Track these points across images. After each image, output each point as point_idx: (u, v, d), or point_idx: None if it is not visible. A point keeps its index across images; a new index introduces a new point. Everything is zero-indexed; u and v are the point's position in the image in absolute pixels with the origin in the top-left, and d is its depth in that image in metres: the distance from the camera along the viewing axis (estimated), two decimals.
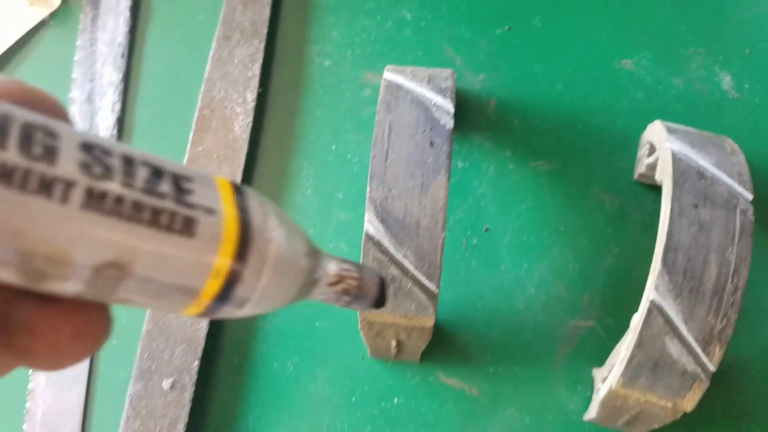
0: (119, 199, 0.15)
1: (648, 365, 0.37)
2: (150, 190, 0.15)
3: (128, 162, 0.15)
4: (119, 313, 0.48)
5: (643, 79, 0.51)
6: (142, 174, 0.15)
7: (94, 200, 0.14)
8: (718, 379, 0.45)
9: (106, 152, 0.15)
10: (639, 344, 0.36)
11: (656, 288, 0.36)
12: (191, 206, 0.16)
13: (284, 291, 0.20)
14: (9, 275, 0.14)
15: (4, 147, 0.13)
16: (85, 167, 0.14)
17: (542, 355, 0.46)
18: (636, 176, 0.49)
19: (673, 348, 0.36)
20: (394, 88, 0.42)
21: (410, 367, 0.46)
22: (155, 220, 0.15)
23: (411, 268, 0.39)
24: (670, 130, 0.41)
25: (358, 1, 0.55)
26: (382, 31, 0.54)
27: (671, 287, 0.36)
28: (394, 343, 0.43)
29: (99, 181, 0.14)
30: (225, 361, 0.47)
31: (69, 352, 0.16)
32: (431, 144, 0.39)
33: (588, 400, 0.45)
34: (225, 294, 0.18)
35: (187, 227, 0.16)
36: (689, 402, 0.37)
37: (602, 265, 0.47)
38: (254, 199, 0.18)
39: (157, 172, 0.16)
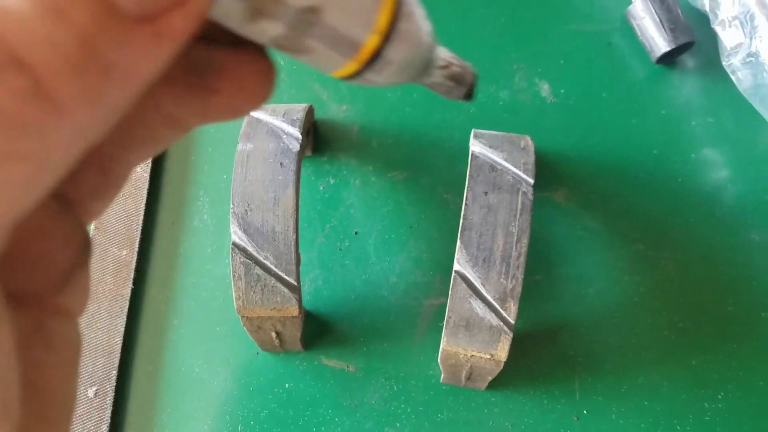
0: None
1: (462, 324, 0.46)
2: None
3: None
4: None
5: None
6: None
7: None
8: (551, 338, 0.54)
9: None
10: (452, 307, 0.46)
11: (458, 261, 0.45)
12: None
13: (417, 62, 0.23)
14: (236, 11, 0.16)
15: None
16: None
17: (405, 332, 0.55)
18: None
19: (478, 307, 0.45)
20: (254, 122, 0.51)
21: (297, 356, 0.55)
22: None
23: (272, 267, 0.47)
24: (476, 136, 0.51)
25: None
26: None
27: (469, 258, 0.45)
28: (274, 335, 0.52)
29: None
30: (140, 369, 0.55)
31: (249, 91, 0.17)
32: (281, 164, 0.49)
33: None
34: (377, 55, 0.20)
35: None
36: (501, 352, 0.46)
37: (449, 252, 0.56)
38: None
39: None
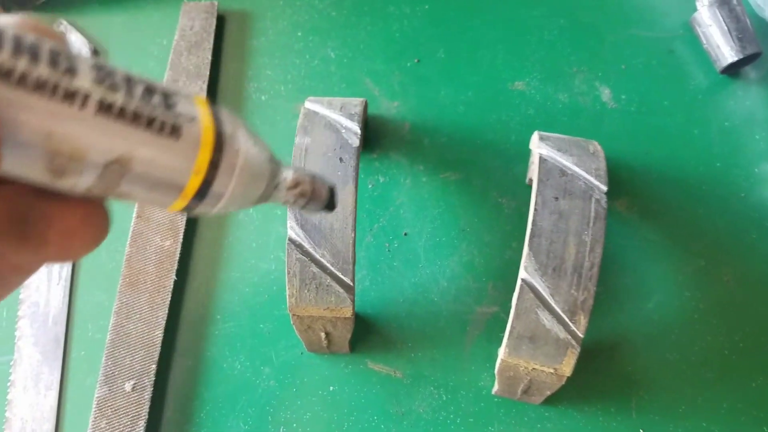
0: (123, 108, 0.19)
1: (527, 335, 0.44)
2: (146, 101, 0.19)
3: (128, 81, 0.19)
4: (86, 326, 0.54)
5: (533, 97, 0.59)
6: (139, 89, 0.19)
7: (105, 108, 0.18)
8: (607, 353, 0.52)
9: (111, 73, 0.18)
10: (516, 317, 0.44)
11: (525, 268, 0.43)
12: (177, 115, 0.20)
13: (252, 190, 0.24)
14: (36, 172, 0.17)
15: (37, 63, 0.16)
16: (97, 82, 0.18)
17: (455, 339, 0.53)
18: (527, 181, 0.56)
19: (545, 319, 0.43)
20: (311, 115, 0.49)
21: (342, 358, 0.53)
22: (150, 125, 0.19)
23: (328, 265, 0.46)
24: (542, 138, 0.49)
25: (288, 44, 0.63)
26: (310, 68, 0.62)
27: (538, 267, 0.43)
28: (323, 335, 0.50)
29: (108, 93, 0.18)
30: (179, 364, 0.53)
31: (79, 238, 0.19)
32: (341, 160, 0.47)
33: (495, 376, 0.52)
34: (204, 190, 0.21)
35: (174, 131, 0.20)
36: (566, 367, 0.44)
37: (503, 258, 0.55)
38: (226, 114, 0.23)
39: (150, 89, 0.20)
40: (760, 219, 0.55)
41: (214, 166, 0.21)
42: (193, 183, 0.21)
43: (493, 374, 0.52)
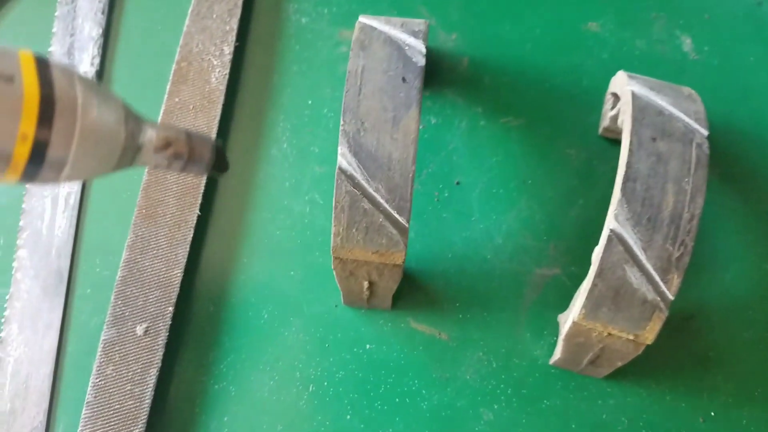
0: None
1: (609, 295, 0.38)
2: None
3: None
4: (93, 261, 0.48)
5: (608, 40, 0.53)
6: None
7: None
8: (681, 326, 0.46)
9: None
10: (600, 273, 0.38)
11: (616, 217, 0.37)
12: None
13: (102, 154, 0.21)
14: None
15: None
16: None
17: (509, 302, 0.47)
18: (601, 131, 0.50)
19: (633, 276, 0.37)
20: (368, 30, 0.43)
21: (382, 314, 0.47)
22: None
23: (383, 201, 0.40)
24: (631, 77, 0.43)
25: None
26: None
27: (630, 216, 0.37)
28: (366, 285, 0.44)
29: None
30: (199, 309, 0.47)
31: None
32: (403, 79, 0.41)
33: (553, 346, 0.46)
34: (38, 158, 0.19)
35: None
36: (650, 333, 0.38)
37: (567, 215, 0.49)
38: (59, 69, 0.20)
39: None
40: None
41: (45, 127, 0.19)
42: (21, 151, 0.19)
43: (551, 342, 0.46)
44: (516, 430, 0.44)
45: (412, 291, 0.48)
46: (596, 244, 0.40)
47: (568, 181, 0.50)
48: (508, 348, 0.46)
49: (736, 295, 0.47)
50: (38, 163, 0.19)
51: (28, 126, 0.18)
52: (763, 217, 0.49)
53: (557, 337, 0.46)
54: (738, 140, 0.51)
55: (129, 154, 0.23)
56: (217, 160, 0.27)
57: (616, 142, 0.51)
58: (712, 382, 0.46)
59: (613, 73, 0.51)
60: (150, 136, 0.24)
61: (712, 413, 0.45)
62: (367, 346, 0.46)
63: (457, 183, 0.50)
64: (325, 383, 0.45)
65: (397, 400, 0.45)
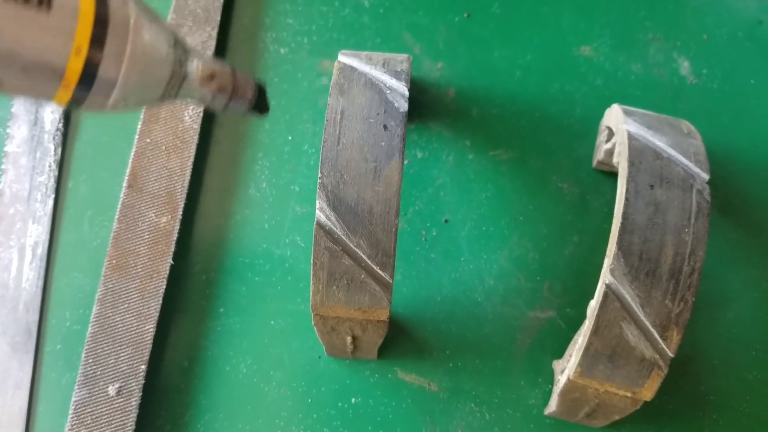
0: None
1: (605, 353, 0.36)
2: None
3: None
4: (63, 315, 0.46)
5: (602, 65, 0.51)
6: None
7: None
8: (679, 369, 0.44)
9: None
10: (596, 331, 0.35)
11: (612, 272, 0.35)
12: None
13: (152, 78, 0.21)
14: None
15: None
16: None
17: (502, 348, 0.45)
18: (595, 164, 0.48)
19: (631, 334, 0.35)
20: (348, 71, 0.40)
21: (368, 365, 0.45)
22: None
23: (364, 257, 0.37)
24: (627, 113, 0.40)
25: None
26: (339, 17, 0.52)
27: (627, 270, 0.35)
28: (349, 340, 0.41)
29: None
30: (174, 365, 0.45)
31: None
32: (385, 127, 0.38)
33: (548, 393, 0.44)
34: (89, 75, 0.19)
35: (43, 2, 0.17)
36: (648, 391, 0.36)
37: (562, 254, 0.46)
38: None
39: None
40: None
41: (97, 44, 0.18)
42: (74, 65, 0.18)
43: (546, 390, 0.44)
44: None
45: (400, 338, 0.45)
46: (592, 283, 0.38)
47: (561, 216, 0.47)
48: (501, 398, 0.44)
49: (737, 334, 0.45)
50: (89, 84, 0.19)
51: (82, 39, 0.18)
52: (765, 249, 0.47)
53: (552, 384, 0.44)
54: (739, 169, 0.49)
55: (175, 83, 0.22)
56: (258, 100, 0.26)
57: (612, 175, 0.48)
58: (713, 427, 0.44)
59: (608, 101, 0.48)
60: (196, 65, 0.23)
61: None
62: (353, 400, 0.44)
63: (446, 221, 0.48)
64: None
65: None
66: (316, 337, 0.43)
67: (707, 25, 0.52)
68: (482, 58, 0.51)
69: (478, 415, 0.43)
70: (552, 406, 0.42)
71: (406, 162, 0.49)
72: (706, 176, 0.37)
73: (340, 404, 0.44)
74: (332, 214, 0.37)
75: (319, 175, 0.37)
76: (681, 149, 0.38)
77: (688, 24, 0.52)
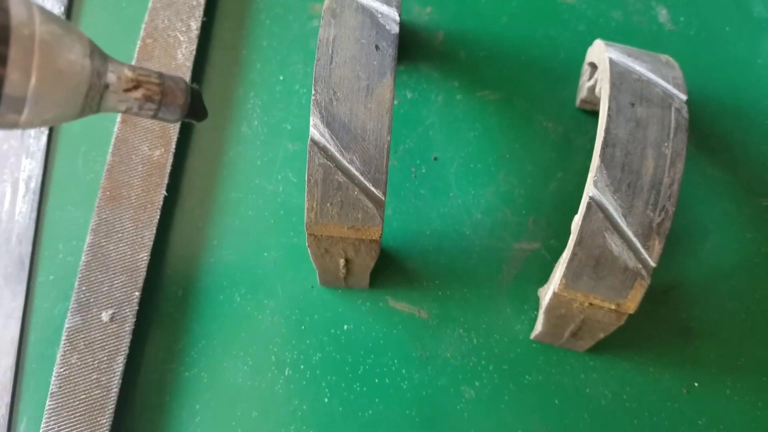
0: None
1: (589, 264, 0.37)
2: None
3: None
4: (56, 247, 0.46)
5: (584, 12, 0.52)
6: None
7: None
8: (660, 298, 0.46)
9: None
10: (580, 242, 0.37)
11: (595, 183, 0.36)
12: None
13: (65, 93, 0.19)
14: None
15: None
16: None
17: (489, 278, 0.46)
18: (578, 103, 0.50)
19: (614, 243, 0.37)
20: None
21: (360, 294, 0.46)
22: None
23: (357, 174, 0.38)
24: (608, 44, 0.42)
25: None
26: None
27: (610, 182, 0.36)
28: (342, 262, 0.42)
29: None
30: (168, 293, 0.45)
31: None
32: (377, 47, 0.39)
33: (533, 320, 0.45)
34: None
35: None
36: (632, 302, 0.38)
37: (546, 189, 0.48)
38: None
39: None
40: None
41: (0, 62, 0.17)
42: None
43: (532, 317, 0.45)
44: (498, 407, 0.43)
45: (390, 269, 0.46)
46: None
47: (546, 154, 0.49)
48: (488, 324, 0.45)
49: (717, 264, 0.47)
50: None
51: None
52: (741, 185, 0.49)
53: (538, 311, 0.45)
54: (715, 110, 0.51)
55: (95, 95, 0.21)
56: (193, 105, 0.25)
57: (594, 114, 0.50)
58: (694, 353, 0.45)
59: (589, 45, 0.50)
60: (118, 75, 0.22)
61: (696, 384, 0.44)
62: (345, 327, 0.45)
63: (435, 158, 0.49)
64: (302, 366, 0.44)
65: (376, 380, 0.43)
66: (309, 267, 0.44)
67: None
68: (470, 3, 0.52)
69: (466, 340, 0.45)
70: (538, 327, 0.43)
71: (396, 102, 0.50)
72: (684, 97, 0.39)
73: (332, 331, 0.45)
74: (326, 130, 0.38)
75: (313, 92, 0.38)
76: (660, 74, 0.40)
77: None
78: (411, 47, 0.51)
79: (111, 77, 0.21)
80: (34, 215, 0.47)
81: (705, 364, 0.45)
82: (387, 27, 0.40)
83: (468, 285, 0.46)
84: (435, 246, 0.47)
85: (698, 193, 0.48)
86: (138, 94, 0.22)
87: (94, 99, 0.21)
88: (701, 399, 0.44)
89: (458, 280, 0.46)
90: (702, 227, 0.48)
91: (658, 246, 0.37)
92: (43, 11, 0.19)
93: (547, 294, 0.41)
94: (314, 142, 0.38)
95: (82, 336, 0.43)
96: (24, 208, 0.47)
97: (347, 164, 0.38)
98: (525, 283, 0.46)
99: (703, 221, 0.48)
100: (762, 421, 0.44)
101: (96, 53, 0.21)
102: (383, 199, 0.38)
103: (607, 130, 0.37)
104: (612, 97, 0.38)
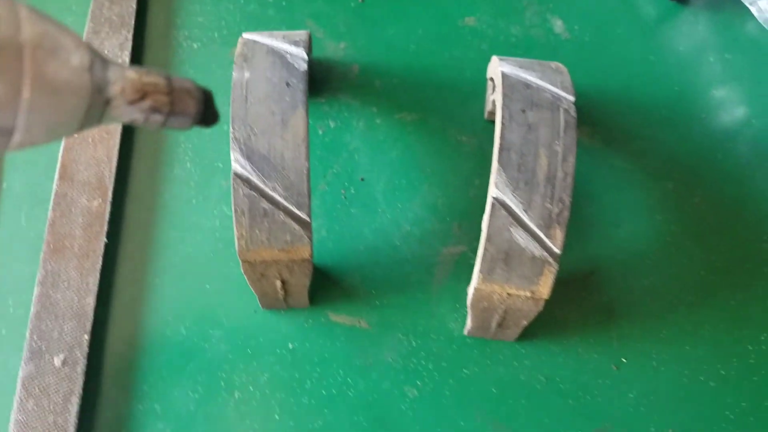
0: None
1: (500, 257, 0.40)
2: None
3: None
4: (7, 302, 0.48)
5: (485, 32, 0.57)
6: None
7: None
8: (582, 284, 0.49)
9: None
10: (489, 238, 0.40)
11: (496, 185, 0.40)
12: None
13: (63, 111, 0.17)
14: None
15: None
16: None
17: (422, 283, 0.49)
18: (486, 115, 0.54)
19: (519, 236, 0.40)
20: (251, 44, 0.45)
21: (301, 312, 0.48)
22: None
23: (281, 200, 0.41)
24: (502, 59, 0.46)
25: None
26: (246, 12, 0.57)
27: (508, 182, 0.40)
28: (279, 284, 0.45)
29: None
30: (116, 333, 0.47)
31: None
32: (287, 84, 0.42)
33: (466, 317, 0.48)
34: None
35: None
36: (544, 287, 0.41)
37: (467, 196, 0.52)
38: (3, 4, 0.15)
39: None
40: (722, 140, 0.54)
41: None
42: None
43: (464, 315, 0.48)
44: (440, 402, 0.45)
45: (329, 286, 0.49)
46: None
47: (463, 164, 0.53)
48: (424, 326, 0.48)
49: (631, 247, 0.51)
50: None
51: None
52: (646, 173, 0.53)
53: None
54: (616, 107, 0.55)
55: (96, 111, 0.18)
56: (204, 111, 0.22)
57: None
58: (619, 331, 0.49)
59: None
60: (122, 85, 0.19)
61: (624, 359, 0.48)
62: (290, 345, 0.47)
63: (362, 179, 0.52)
64: (251, 388, 0.46)
65: (323, 392, 0.46)
66: (250, 294, 0.46)
67: None
68: (379, 36, 0.57)
69: (405, 343, 0.47)
70: (468, 323, 0.46)
71: (320, 131, 0.54)
72: (572, 98, 0.43)
73: (278, 351, 0.47)
74: (247, 163, 0.41)
75: (231, 130, 0.41)
76: (549, 80, 0.44)
77: None
78: (330, 80, 0.55)
79: (113, 90, 0.19)
80: None
81: (630, 340, 0.48)
82: (296, 65, 0.43)
83: (403, 292, 0.49)
84: (369, 260, 0.50)
85: (608, 184, 0.53)
86: (144, 105, 0.19)
87: (94, 115, 0.18)
88: (630, 374, 0.47)
89: (394, 289, 0.49)
90: (614, 214, 0.52)
91: (560, 234, 0.40)
92: (40, 19, 0.16)
93: (469, 289, 0.44)
94: (237, 175, 0.41)
95: (37, 382, 0.44)
96: None
97: (270, 192, 0.41)
98: (455, 284, 0.49)
99: (616, 209, 0.52)
100: (689, 388, 0.47)
101: (96, 62, 0.18)
102: (309, 220, 0.41)
103: (502, 136, 0.41)
104: (505, 106, 0.42)
